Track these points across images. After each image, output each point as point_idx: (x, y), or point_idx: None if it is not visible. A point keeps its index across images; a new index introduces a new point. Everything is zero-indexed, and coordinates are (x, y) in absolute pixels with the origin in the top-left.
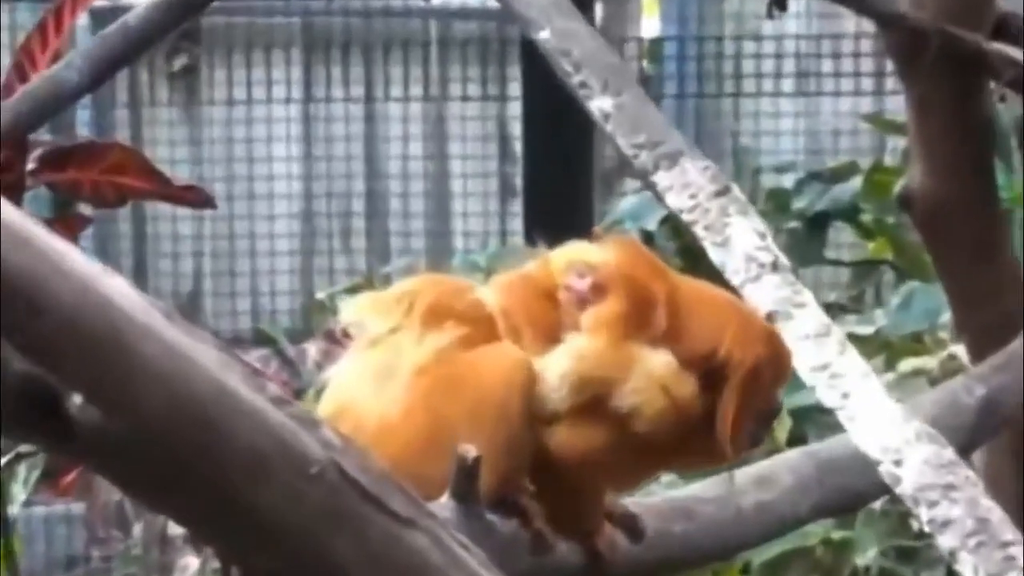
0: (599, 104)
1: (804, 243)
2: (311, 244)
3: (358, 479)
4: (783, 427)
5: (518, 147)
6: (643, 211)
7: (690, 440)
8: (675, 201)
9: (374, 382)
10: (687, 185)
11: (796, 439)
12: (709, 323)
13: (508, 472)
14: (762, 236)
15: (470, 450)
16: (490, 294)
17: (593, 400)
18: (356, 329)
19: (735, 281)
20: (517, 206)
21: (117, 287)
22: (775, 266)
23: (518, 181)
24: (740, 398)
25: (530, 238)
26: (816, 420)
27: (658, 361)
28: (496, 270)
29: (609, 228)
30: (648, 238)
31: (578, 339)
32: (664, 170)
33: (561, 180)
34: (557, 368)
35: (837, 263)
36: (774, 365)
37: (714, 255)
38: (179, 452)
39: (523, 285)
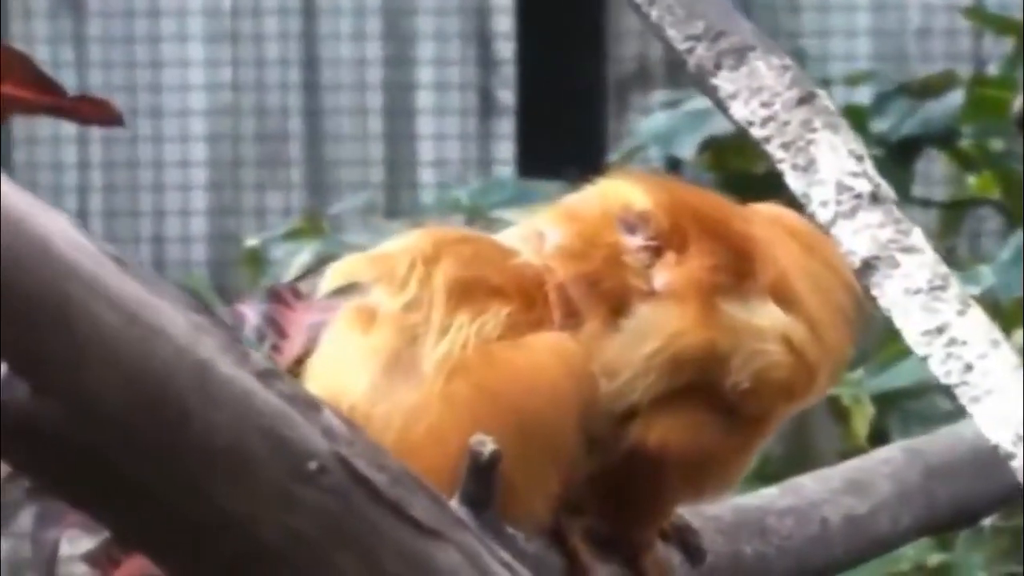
0: None
1: (886, 176)
2: (235, 176)
3: (370, 478)
4: (863, 416)
5: (504, 49)
6: (675, 132)
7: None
8: (742, 111)
9: (384, 377)
10: (759, 90)
11: (878, 435)
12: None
13: (562, 497)
14: (859, 159)
15: (485, 443)
16: (528, 255)
17: (696, 382)
18: (331, 287)
19: (822, 216)
20: (502, 126)
21: (58, 227)
22: (875, 197)
23: (503, 94)
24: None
25: (525, 168)
26: (905, 409)
27: (768, 314)
28: (482, 209)
29: (629, 156)
30: (674, 167)
31: (657, 307)
32: (728, 70)
33: (563, 91)
34: (639, 350)
35: (928, 203)
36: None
37: (794, 182)
38: (136, 444)
39: (576, 242)
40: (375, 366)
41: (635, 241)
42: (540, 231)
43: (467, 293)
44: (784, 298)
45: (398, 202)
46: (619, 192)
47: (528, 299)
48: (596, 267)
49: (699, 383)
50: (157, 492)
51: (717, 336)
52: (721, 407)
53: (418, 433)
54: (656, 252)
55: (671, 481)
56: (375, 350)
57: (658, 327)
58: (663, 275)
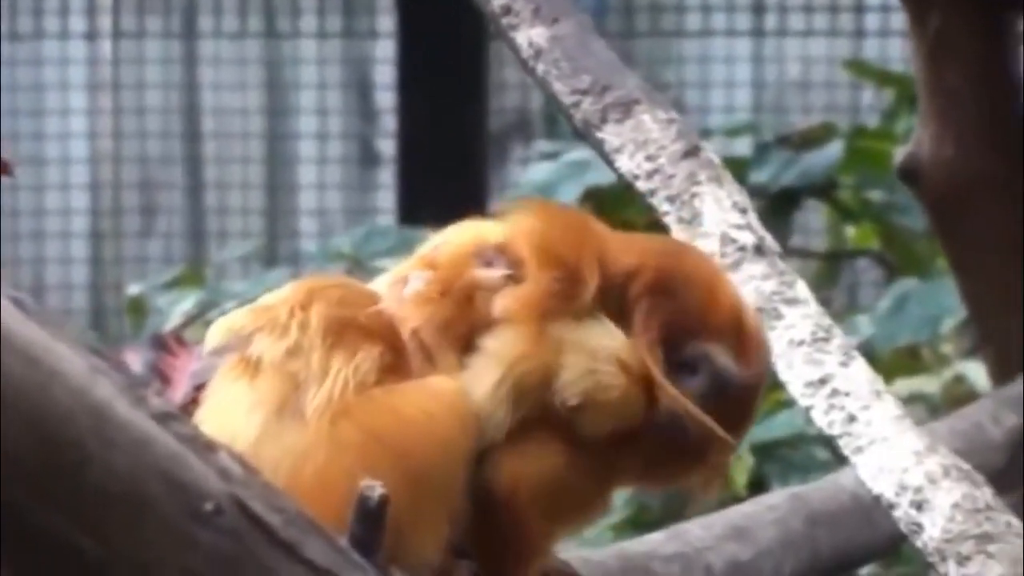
0: (528, 36)
1: (766, 226)
2: (116, 224)
3: (265, 519)
4: (742, 467)
5: (384, 99)
6: (556, 182)
7: (658, 436)
8: (628, 164)
9: (271, 422)
10: (645, 143)
11: (757, 483)
12: (629, 258)
13: (452, 539)
14: (743, 211)
15: (374, 487)
16: (391, 302)
17: (538, 410)
18: (219, 342)
19: None
20: (382, 176)
21: None
22: (759, 249)
23: (384, 144)
24: (646, 318)
25: (405, 218)
26: (782, 458)
27: (601, 333)
28: (363, 258)
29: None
30: None
31: (495, 337)
32: (614, 123)
33: (443, 141)
34: (485, 383)
35: (807, 254)
36: (699, 296)
37: (679, 235)
38: (36, 487)
39: (430, 288)
40: (262, 412)
41: (494, 274)
42: (404, 278)
43: (340, 334)
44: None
45: (279, 251)
46: (475, 229)
47: (392, 344)
48: (445, 310)
49: (543, 413)
50: (57, 534)
51: (549, 358)
52: (567, 438)
53: (305, 476)
54: (515, 282)
55: (531, 518)
56: (261, 397)
57: (495, 355)
58: (502, 302)
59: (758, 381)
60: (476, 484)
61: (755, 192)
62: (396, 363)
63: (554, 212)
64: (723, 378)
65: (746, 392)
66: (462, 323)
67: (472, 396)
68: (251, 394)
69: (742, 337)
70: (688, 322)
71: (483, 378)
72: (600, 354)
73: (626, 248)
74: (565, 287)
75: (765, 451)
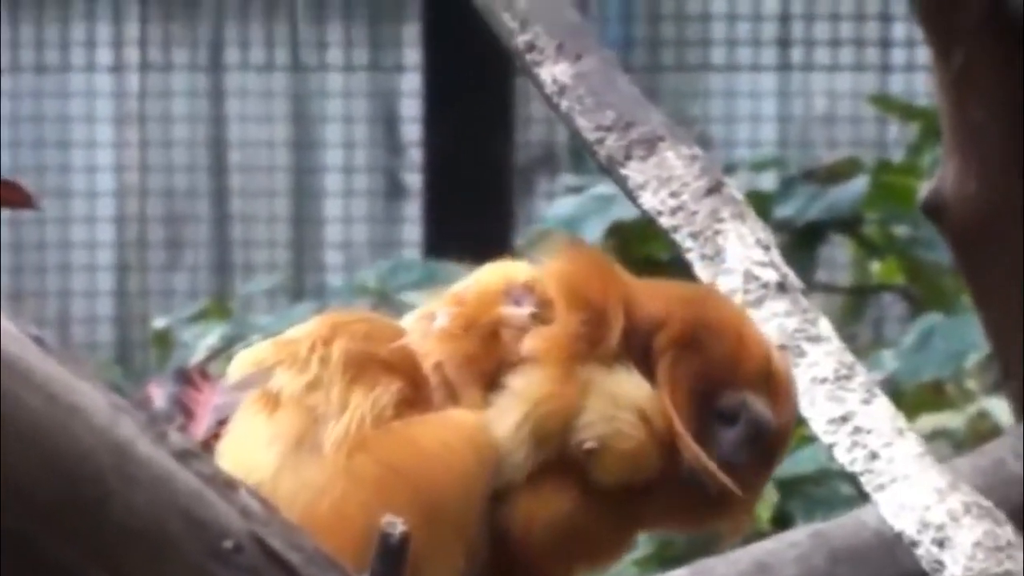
0: (552, 72)
1: (790, 261)
2: (141, 257)
3: (285, 557)
4: (766, 503)
5: (411, 132)
6: (581, 216)
7: (677, 490)
8: (652, 201)
9: (290, 457)
10: (668, 180)
11: (781, 519)
12: (655, 306)
13: (469, 574)
14: (766, 248)
15: (395, 524)
16: (415, 336)
17: (559, 453)
18: (241, 376)
19: None
20: (408, 209)
21: None
22: (782, 286)
23: (410, 177)
24: (672, 370)
25: (431, 251)
26: (808, 494)
27: (626, 381)
28: (389, 291)
29: (534, 240)
30: None
31: (522, 376)
32: (638, 160)
33: (469, 175)
34: (507, 421)
35: (832, 288)
36: (728, 345)
37: (702, 271)
38: (57, 524)
39: (455, 324)
40: (281, 446)
41: (521, 312)
42: (432, 314)
43: (361, 368)
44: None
45: (305, 284)
46: (504, 269)
47: (413, 379)
48: (470, 346)
49: (563, 456)
50: (77, 570)
51: (573, 400)
52: (582, 483)
53: (322, 510)
54: (542, 321)
55: (546, 560)
56: (280, 431)
57: (520, 394)
58: (530, 342)
59: (790, 424)
60: (494, 522)
61: (780, 226)
62: (417, 398)
63: (582, 254)
64: (761, 425)
65: (780, 436)
66: (487, 359)
67: (494, 433)
68: (270, 428)
69: (773, 382)
70: (720, 372)
71: (506, 416)
72: (621, 401)
73: (652, 295)
74: (592, 330)
75: (789, 486)
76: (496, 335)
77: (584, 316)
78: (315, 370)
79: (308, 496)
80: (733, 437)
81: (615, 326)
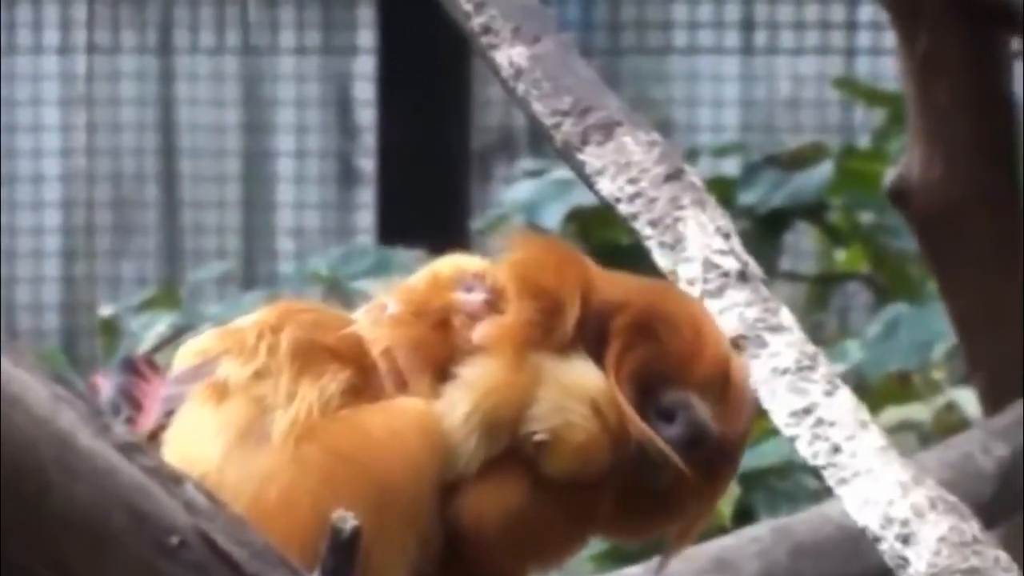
0: (508, 55)
1: (754, 250)
2: (89, 243)
3: (231, 553)
4: (728, 498)
5: (364, 116)
6: (540, 201)
7: (629, 483)
8: (610, 187)
9: (237, 447)
10: (626, 166)
11: (744, 514)
12: (613, 294)
13: (422, 568)
14: (726, 236)
15: (346, 518)
16: (364, 324)
17: (510, 445)
18: (184, 364)
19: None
20: (362, 195)
21: None
22: (743, 275)
23: (364, 162)
24: (620, 354)
25: (385, 237)
26: (771, 488)
27: (579, 371)
28: (342, 280)
29: (492, 225)
30: None
31: (472, 365)
32: (595, 145)
33: (424, 159)
34: (457, 411)
35: (796, 277)
36: (683, 340)
37: (662, 259)
38: None
39: (405, 310)
40: (227, 437)
41: (472, 299)
42: (383, 304)
43: (309, 357)
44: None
45: (256, 272)
46: (457, 260)
47: (362, 366)
48: (419, 332)
49: (514, 448)
50: (18, 565)
51: (525, 390)
52: (533, 476)
53: (270, 499)
54: (492, 310)
55: (497, 555)
56: (227, 421)
57: (471, 385)
58: (482, 329)
59: (739, 441)
60: (446, 515)
61: (743, 213)
62: (366, 386)
63: (538, 242)
64: (700, 429)
65: (725, 450)
66: (437, 347)
67: (444, 422)
68: (216, 418)
69: (726, 391)
70: (668, 367)
71: (456, 406)
72: (574, 392)
73: (612, 285)
74: (546, 318)
75: (752, 480)
76: (447, 322)
77: (538, 303)
78: (262, 359)
79: (255, 487)
80: (670, 436)
81: (570, 313)
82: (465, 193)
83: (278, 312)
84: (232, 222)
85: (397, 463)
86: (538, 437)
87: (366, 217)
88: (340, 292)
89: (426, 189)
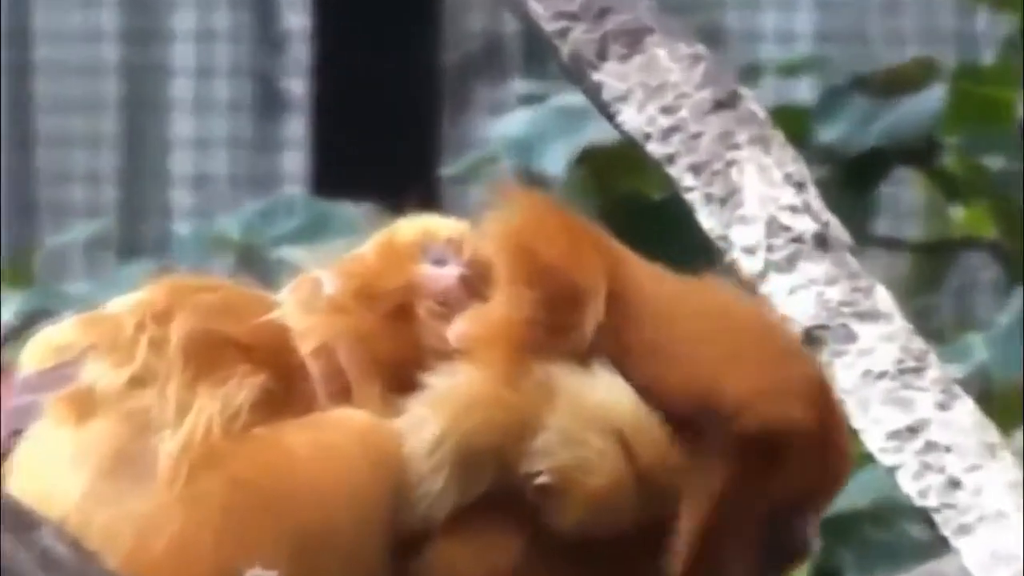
0: None
1: (837, 207)
2: None
3: None
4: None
5: (295, 22)
6: (538, 138)
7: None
8: (636, 119)
9: (109, 479)
10: (659, 89)
11: (825, 572)
12: (694, 341)
13: None
14: (798, 186)
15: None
16: (290, 309)
17: (497, 485)
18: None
19: (748, 268)
20: (289, 129)
21: None
22: (822, 241)
23: (293, 84)
24: (729, 494)
25: (321, 187)
26: (863, 539)
27: (600, 388)
28: (261, 247)
29: (471, 171)
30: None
31: (446, 375)
32: (617, 60)
33: (378, 81)
34: (423, 435)
35: (897, 244)
36: (821, 452)
37: (708, 219)
38: None
39: (349, 290)
40: (94, 465)
41: (444, 275)
42: (317, 280)
43: (210, 355)
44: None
45: (139, 235)
46: (422, 220)
47: (284, 368)
48: (369, 323)
49: (503, 492)
50: None
51: (520, 411)
52: (529, 531)
53: (155, 551)
54: (472, 292)
55: None
56: (94, 444)
57: (443, 401)
58: (461, 326)
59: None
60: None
61: (823, 156)
62: (288, 395)
63: (540, 201)
64: (804, 546)
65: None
66: (393, 343)
67: (401, 447)
68: (80, 439)
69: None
70: (792, 495)
71: (421, 427)
72: (592, 418)
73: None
74: (554, 312)
75: (837, 529)
76: (408, 310)
77: (542, 290)
78: (144, 358)
79: (134, 533)
80: (773, 564)
81: (591, 308)
82: (434, 127)
83: (167, 292)
84: (107, 166)
85: (331, 499)
86: (541, 480)
87: (294, 160)
88: (257, 263)
89: (378, 121)
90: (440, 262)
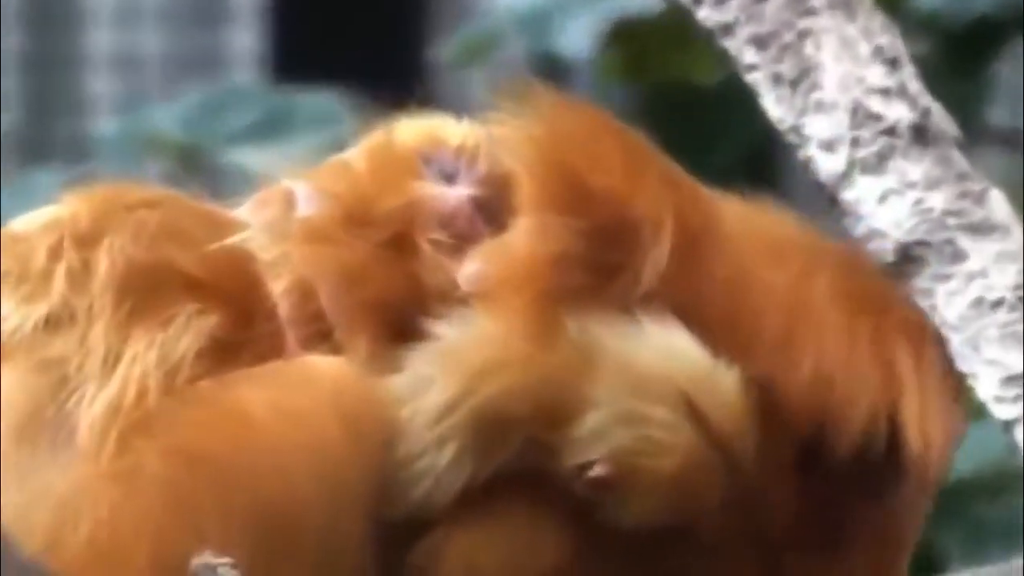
0: None
1: (941, 91)
2: None
3: None
4: None
5: None
6: (555, 9)
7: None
8: None
9: (16, 449)
10: None
11: (926, 561)
12: (814, 328)
13: None
14: (890, 63)
15: (213, 566)
16: (255, 232)
17: (527, 465)
18: None
19: (828, 168)
20: None
21: None
22: (921, 133)
23: None
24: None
25: (280, 71)
26: (970, 517)
27: (661, 345)
28: (206, 148)
29: (471, 53)
30: (552, 73)
31: (462, 325)
32: None
33: None
34: (430, 397)
35: (1013, 137)
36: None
37: (776, 107)
38: None
39: (332, 212)
40: (6, 432)
41: (453, 194)
42: (285, 192)
43: (148, 292)
44: (718, 322)
45: (52, 133)
46: (429, 125)
47: (244, 307)
48: (358, 255)
49: (533, 470)
50: None
51: (558, 376)
52: (576, 524)
53: (78, 537)
54: (490, 217)
55: None
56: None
57: (457, 359)
58: (476, 264)
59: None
60: (398, 570)
61: (922, 26)
62: (248, 340)
63: (587, 112)
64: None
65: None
66: (388, 282)
67: (397, 409)
68: None
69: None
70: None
71: (424, 391)
72: (647, 383)
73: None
74: (602, 251)
75: (940, 505)
76: (408, 239)
77: (589, 220)
78: (62, 294)
79: (52, 516)
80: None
81: (651, 252)
82: None
83: (91, 207)
84: (10, 53)
85: (296, 471)
86: (595, 472)
87: (243, 38)
88: (201, 169)
89: None
90: (448, 177)
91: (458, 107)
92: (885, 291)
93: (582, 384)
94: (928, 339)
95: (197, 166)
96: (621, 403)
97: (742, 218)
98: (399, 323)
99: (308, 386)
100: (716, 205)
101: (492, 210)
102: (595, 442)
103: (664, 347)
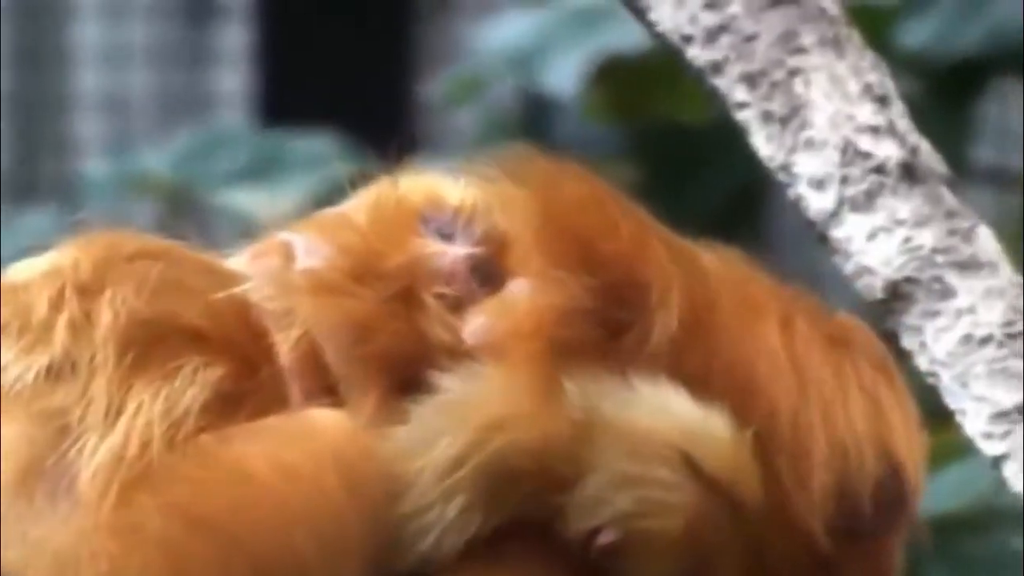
0: None
1: (929, 128)
2: None
3: None
4: None
5: None
6: (544, 48)
7: None
8: (672, 17)
9: (14, 502)
10: None
11: None
12: (813, 399)
13: None
14: (880, 101)
15: None
16: (258, 281)
17: (518, 524)
18: None
19: (817, 206)
20: (227, 37)
21: None
22: (910, 171)
23: None
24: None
25: (270, 112)
26: (954, 551)
27: (662, 406)
28: (194, 189)
29: (459, 92)
30: (538, 115)
31: (469, 378)
32: None
33: None
34: (437, 450)
35: (1003, 177)
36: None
37: (766, 145)
38: None
39: (337, 265)
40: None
41: (451, 253)
42: (288, 243)
43: (152, 343)
44: (718, 383)
45: (37, 175)
46: (428, 184)
47: (247, 360)
48: (363, 308)
49: (538, 524)
50: None
51: (562, 434)
52: (575, 568)
53: None
54: (485, 277)
55: None
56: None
57: (465, 413)
58: (480, 320)
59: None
60: None
61: (909, 64)
62: (252, 393)
63: (588, 181)
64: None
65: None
66: (397, 336)
67: (400, 463)
68: None
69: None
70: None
71: (432, 444)
72: (643, 444)
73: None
74: (613, 309)
75: (927, 541)
76: (413, 294)
77: (601, 279)
78: (63, 344)
79: (52, 568)
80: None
81: (660, 315)
82: (405, 30)
83: (93, 256)
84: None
85: (296, 531)
86: (604, 539)
87: (232, 79)
88: (193, 210)
89: (338, 25)
90: (446, 237)
91: (446, 146)
92: (844, 323)
93: (581, 448)
94: (892, 366)
95: (187, 207)
96: (619, 466)
97: (717, 270)
98: (406, 376)
99: (309, 442)
100: (716, 279)
101: (488, 270)
102: (598, 506)
103: (657, 406)
